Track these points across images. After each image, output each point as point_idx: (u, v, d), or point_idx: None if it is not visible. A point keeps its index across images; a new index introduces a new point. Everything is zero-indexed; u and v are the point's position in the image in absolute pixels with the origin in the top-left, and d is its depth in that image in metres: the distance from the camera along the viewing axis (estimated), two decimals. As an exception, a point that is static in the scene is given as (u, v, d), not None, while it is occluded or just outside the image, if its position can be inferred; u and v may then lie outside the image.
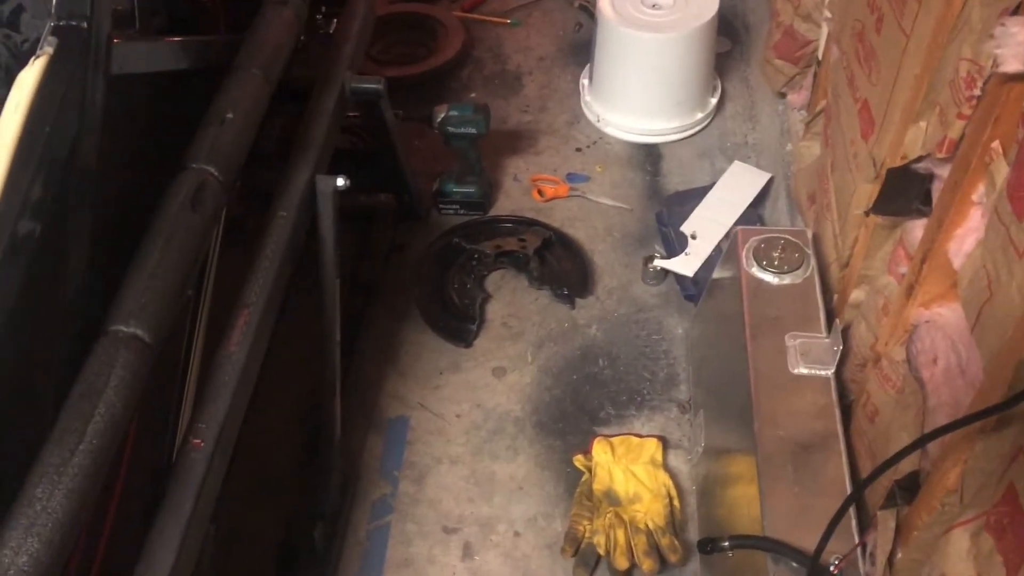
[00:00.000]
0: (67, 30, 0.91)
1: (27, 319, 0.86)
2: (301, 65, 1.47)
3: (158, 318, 0.96)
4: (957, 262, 0.98)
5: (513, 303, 1.83)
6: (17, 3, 0.98)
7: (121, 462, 0.97)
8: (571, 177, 2.06)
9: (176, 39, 1.21)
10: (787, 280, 1.40)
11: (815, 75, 1.75)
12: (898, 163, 1.12)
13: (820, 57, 1.70)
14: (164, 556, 0.94)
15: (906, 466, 1.05)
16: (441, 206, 1.98)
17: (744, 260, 1.42)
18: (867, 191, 1.25)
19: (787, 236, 1.44)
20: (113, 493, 0.96)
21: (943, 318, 1.05)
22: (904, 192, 1.12)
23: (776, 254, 1.42)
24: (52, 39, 0.89)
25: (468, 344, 1.76)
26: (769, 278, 1.40)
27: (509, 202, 2.02)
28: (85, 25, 0.92)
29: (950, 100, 0.96)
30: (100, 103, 0.94)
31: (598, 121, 2.16)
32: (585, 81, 2.23)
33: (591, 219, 1.97)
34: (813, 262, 1.41)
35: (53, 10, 0.92)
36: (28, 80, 0.87)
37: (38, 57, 0.89)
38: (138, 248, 1.00)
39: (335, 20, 1.66)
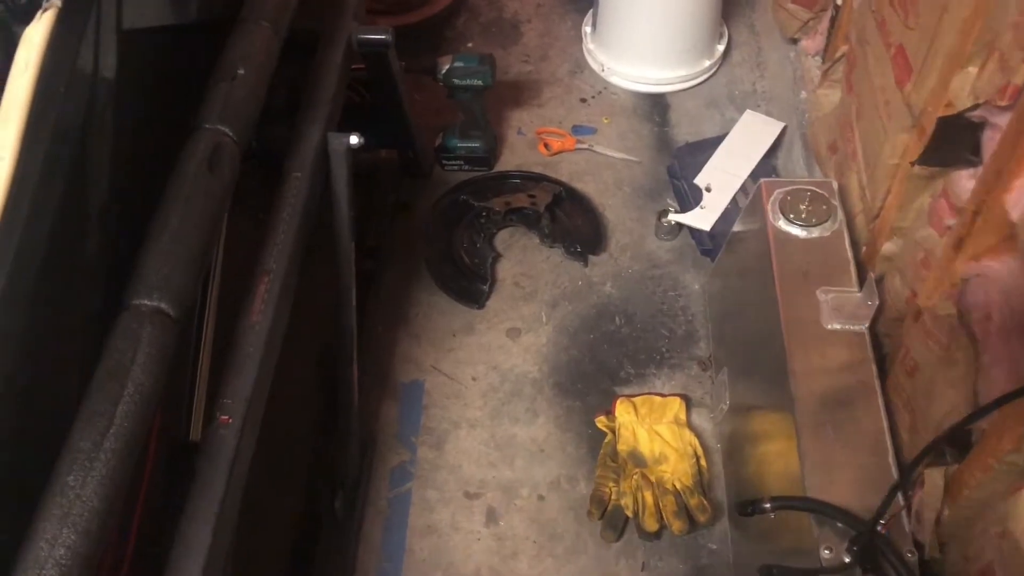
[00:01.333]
0: (74, -19, 0.84)
1: (50, 291, 0.80)
2: (302, 16, 1.39)
3: (181, 289, 0.91)
4: (1015, 214, 0.94)
5: (524, 261, 1.78)
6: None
7: (149, 443, 0.92)
8: (577, 129, 2.00)
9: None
10: (815, 233, 1.36)
11: (832, 19, 1.69)
12: (942, 111, 1.08)
13: (839, 1, 1.64)
14: (200, 538, 0.89)
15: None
16: (445, 162, 1.92)
17: (770, 213, 1.38)
18: (902, 140, 1.21)
19: (813, 188, 1.40)
20: (143, 475, 0.92)
21: (994, 271, 1.02)
22: (953, 142, 1.07)
23: (803, 207, 1.38)
24: (59, -9, 0.82)
25: (480, 305, 1.71)
26: (796, 231, 1.37)
27: (514, 157, 1.96)
28: (93, -25, 0.85)
29: (1013, 44, 0.91)
30: (114, 61, 0.87)
31: (603, 70, 2.10)
32: (588, 28, 2.16)
33: (600, 173, 1.92)
34: (841, 214, 1.38)
35: (57, -40, 0.84)
36: (36, 37, 0.80)
37: (45, 11, 0.82)
38: (156, 214, 0.94)
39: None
